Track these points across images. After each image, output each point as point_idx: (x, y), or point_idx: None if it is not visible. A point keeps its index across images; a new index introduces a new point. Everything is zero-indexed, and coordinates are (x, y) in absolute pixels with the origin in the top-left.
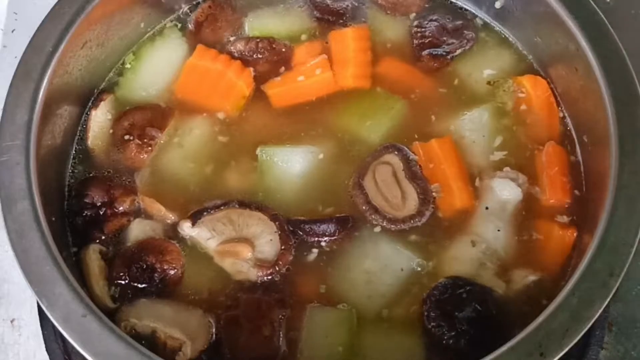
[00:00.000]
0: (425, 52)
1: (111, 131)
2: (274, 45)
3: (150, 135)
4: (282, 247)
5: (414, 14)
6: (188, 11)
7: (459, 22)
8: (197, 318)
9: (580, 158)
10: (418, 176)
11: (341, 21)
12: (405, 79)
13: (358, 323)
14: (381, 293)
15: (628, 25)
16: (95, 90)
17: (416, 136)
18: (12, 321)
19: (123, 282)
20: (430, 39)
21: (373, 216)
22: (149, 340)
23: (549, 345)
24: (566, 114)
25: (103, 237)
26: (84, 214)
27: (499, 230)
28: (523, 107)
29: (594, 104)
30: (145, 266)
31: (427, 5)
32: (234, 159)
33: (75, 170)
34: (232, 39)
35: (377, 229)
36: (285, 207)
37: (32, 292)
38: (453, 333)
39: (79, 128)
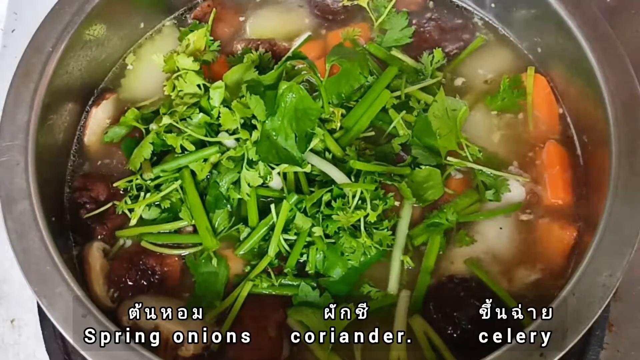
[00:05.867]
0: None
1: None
2: (274, 47)
3: None
4: None
5: (413, 13)
6: (187, 11)
7: (458, 21)
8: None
9: (580, 157)
10: None
11: (341, 20)
12: None
13: (359, 323)
14: (383, 293)
15: (628, 25)
16: (95, 90)
17: None
18: (12, 321)
19: (122, 284)
20: (429, 37)
21: None
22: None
23: (549, 345)
24: (566, 112)
25: (105, 233)
26: (87, 207)
27: (501, 229)
28: (523, 105)
29: (594, 104)
30: (145, 267)
31: (426, 4)
32: None
33: (75, 169)
34: (233, 40)
35: None
36: None
37: (32, 292)
38: (456, 332)
39: (79, 127)
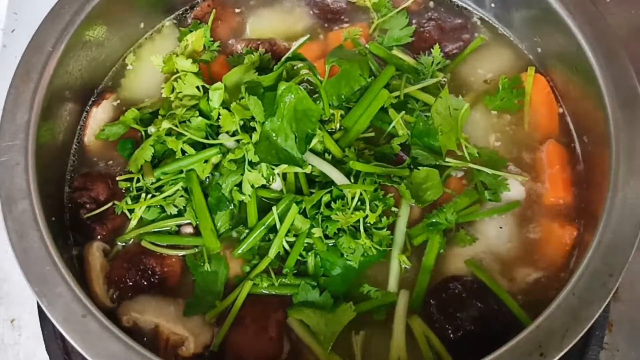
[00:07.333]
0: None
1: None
2: (274, 47)
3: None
4: None
5: (413, 13)
6: (187, 11)
7: (458, 21)
8: (199, 316)
9: (580, 157)
10: None
11: (341, 20)
12: None
13: (360, 324)
14: (382, 292)
15: (628, 25)
16: (95, 90)
17: None
18: (12, 321)
19: (122, 284)
20: (429, 37)
21: None
22: (151, 335)
23: (549, 345)
24: (566, 112)
25: (105, 233)
26: (87, 207)
27: (501, 228)
28: (522, 104)
29: (594, 104)
30: (145, 267)
31: (426, 4)
32: None
33: (75, 169)
34: (233, 40)
35: None
36: None
37: (32, 292)
38: (458, 332)
39: (79, 127)
